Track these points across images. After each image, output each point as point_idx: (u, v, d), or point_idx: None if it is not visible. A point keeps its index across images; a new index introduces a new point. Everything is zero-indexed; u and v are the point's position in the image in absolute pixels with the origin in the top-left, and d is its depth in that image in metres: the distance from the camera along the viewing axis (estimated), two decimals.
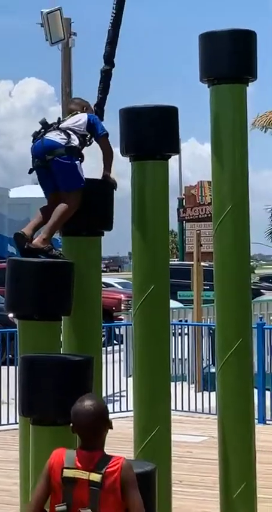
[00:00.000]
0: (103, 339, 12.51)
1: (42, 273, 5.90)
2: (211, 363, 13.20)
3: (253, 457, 6.61)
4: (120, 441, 9.46)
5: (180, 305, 17.01)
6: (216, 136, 6.56)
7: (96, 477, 4.09)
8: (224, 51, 6.43)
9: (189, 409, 12.04)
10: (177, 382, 12.15)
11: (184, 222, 36.11)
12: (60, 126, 6.14)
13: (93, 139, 6.26)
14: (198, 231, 15.89)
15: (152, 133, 6.43)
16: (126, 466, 4.19)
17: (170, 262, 6.95)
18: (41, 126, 6.19)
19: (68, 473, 4.13)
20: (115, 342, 14.16)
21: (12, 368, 11.28)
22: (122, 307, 22.17)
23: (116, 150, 6.59)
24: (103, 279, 25.91)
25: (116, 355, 13.18)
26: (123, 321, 17.40)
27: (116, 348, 13.75)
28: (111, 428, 4.31)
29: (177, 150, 6.70)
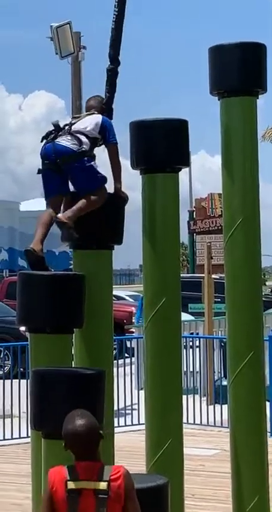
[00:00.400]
0: (114, 352, 12.51)
1: (54, 286, 5.90)
2: (222, 375, 13.16)
3: (265, 470, 6.58)
4: (132, 455, 9.44)
5: (191, 318, 16.97)
6: (227, 149, 6.56)
7: (102, 485, 4.15)
8: (234, 64, 6.44)
9: (201, 422, 12.00)
10: (189, 395, 12.11)
11: (194, 234, 36.10)
12: (72, 129, 6.13)
13: (101, 143, 6.24)
14: (209, 244, 15.87)
15: (162, 147, 6.44)
16: (127, 473, 4.27)
17: (181, 275, 6.94)
18: (53, 127, 6.19)
19: (72, 485, 4.16)
20: (126, 354, 14.14)
21: (23, 381, 11.28)
22: (133, 320, 22.14)
23: (126, 163, 6.61)
24: (114, 292, 25.92)
25: (127, 368, 13.16)
26: (134, 334, 17.37)
27: (127, 361, 13.73)
28: (102, 438, 4.33)
29: (187, 163, 6.71)
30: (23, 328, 13.00)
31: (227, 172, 6.55)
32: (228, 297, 6.60)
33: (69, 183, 6.19)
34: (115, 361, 11.34)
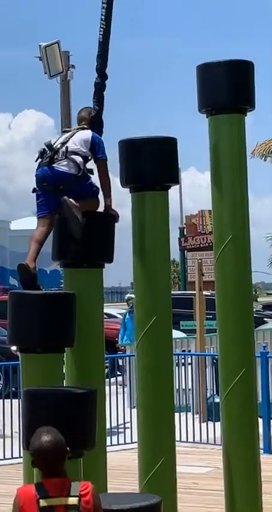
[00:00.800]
0: (106, 370, 12.48)
1: (44, 306, 5.89)
2: (215, 392, 13.13)
3: (259, 488, 6.56)
4: (125, 474, 9.40)
5: (183, 335, 16.94)
6: (215, 166, 6.58)
7: (73, 501, 4.20)
8: (222, 81, 6.47)
9: (194, 440, 11.96)
10: (181, 413, 12.07)
11: (185, 251, 36.14)
12: (68, 151, 6.17)
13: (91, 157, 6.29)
14: (200, 260, 15.87)
15: (151, 165, 6.46)
16: (94, 489, 4.32)
17: (172, 292, 6.95)
18: (45, 147, 6.21)
19: (44, 503, 4.18)
20: (118, 373, 14.10)
21: (15, 401, 11.22)
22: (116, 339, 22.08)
23: (116, 180, 6.62)
24: (106, 310, 25.87)
25: (119, 387, 13.11)
26: (126, 352, 17.34)
27: (119, 379, 13.68)
28: (69, 454, 4.37)
29: (176, 181, 6.72)
30: (14, 348, 12.97)
31: (217, 190, 6.56)
32: (219, 314, 6.60)
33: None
34: (107, 380, 11.33)
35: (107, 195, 6.32)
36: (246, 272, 6.59)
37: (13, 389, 12.04)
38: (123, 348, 18.52)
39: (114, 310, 30.84)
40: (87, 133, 6.31)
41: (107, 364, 13.19)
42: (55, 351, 5.91)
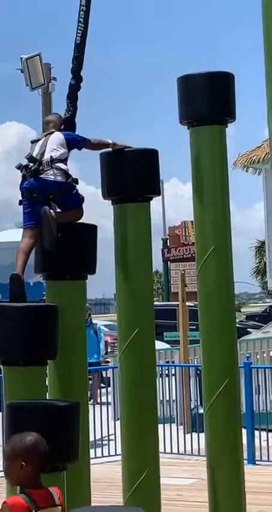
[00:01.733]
0: (90, 382, 12.43)
1: (26, 318, 5.87)
2: (199, 403, 13.12)
3: (243, 498, 6.56)
4: (109, 486, 9.36)
5: (167, 346, 16.94)
6: (197, 178, 6.60)
7: (58, 510, 4.27)
8: (203, 93, 6.49)
9: (178, 451, 11.93)
10: (165, 424, 12.05)
11: (168, 262, 36.14)
12: (52, 160, 6.21)
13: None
14: (183, 271, 15.88)
15: (133, 176, 6.47)
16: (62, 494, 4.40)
17: (155, 303, 6.94)
18: (28, 160, 6.25)
19: None
20: (102, 384, 14.06)
21: None
22: (109, 350, 22.05)
23: (98, 192, 6.64)
24: None
25: (103, 398, 13.08)
26: (109, 364, 17.31)
27: (103, 391, 13.65)
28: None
29: (158, 192, 6.74)
30: None
31: (198, 200, 6.57)
32: (202, 325, 6.60)
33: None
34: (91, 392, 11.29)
35: (106, 143, 6.43)
36: (228, 283, 6.60)
37: None
38: (107, 360, 18.49)
39: (98, 321, 30.77)
40: (58, 135, 6.36)
41: (91, 377, 13.18)
42: (37, 363, 5.88)
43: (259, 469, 10.94)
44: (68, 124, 6.49)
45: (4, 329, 5.87)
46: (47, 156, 6.23)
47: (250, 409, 11.50)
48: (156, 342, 6.80)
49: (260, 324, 28.40)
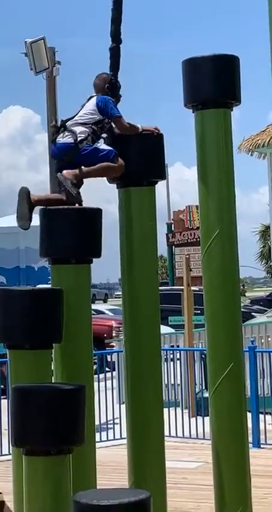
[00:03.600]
0: (95, 366, 12.45)
1: (31, 302, 5.88)
2: (204, 387, 13.15)
3: (248, 482, 6.57)
4: (115, 470, 9.41)
5: (171, 330, 16.96)
6: (202, 162, 6.57)
7: None
8: (208, 76, 6.46)
9: (183, 435, 11.98)
10: (170, 408, 12.10)
11: (173, 246, 36.12)
12: (68, 124, 6.38)
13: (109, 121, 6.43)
14: (187, 256, 15.87)
15: (138, 160, 6.46)
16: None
17: (160, 288, 6.95)
18: (54, 128, 6.46)
19: None
20: (107, 369, 14.10)
21: (4, 398, 11.21)
22: (113, 334, 22.11)
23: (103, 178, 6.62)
24: (94, 306, 25.84)
25: (108, 383, 13.12)
26: (114, 348, 17.34)
27: (108, 375, 13.69)
28: None
29: (163, 176, 6.72)
30: None
31: (203, 185, 6.56)
32: (207, 309, 6.59)
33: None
34: (96, 376, 11.31)
35: (136, 129, 6.42)
36: (233, 267, 6.59)
37: (1, 386, 12.02)
38: (112, 344, 18.52)
39: (103, 306, 30.85)
40: (92, 100, 6.46)
41: (96, 361, 13.20)
42: (43, 347, 5.90)
43: (264, 453, 10.99)
44: (110, 86, 6.51)
45: (9, 313, 5.89)
46: (66, 119, 6.42)
47: (255, 393, 11.53)
48: (161, 326, 6.81)
49: (265, 308, 28.43)
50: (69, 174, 6.25)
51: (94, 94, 6.54)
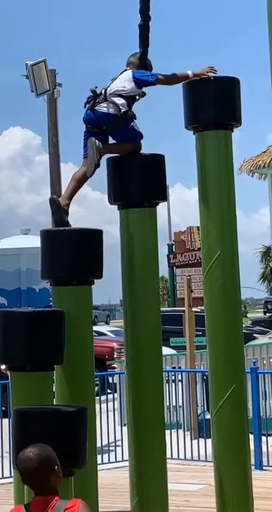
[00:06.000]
0: (96, 388, 12.41)
1: (33, 323, 5.88)
2: (205, 409, 13.11)
3: (250, 504, 6.54)
4: (116, 492, 9.36)
5: (173, 352, 16.92)
6: (203, 183, 6.59)
7: None
8: (208, 98, 6.50)
9: (185, 457, 11.92)
10: (172, 430, 12.04)
11: (174, 267, 36.12)
12: (108, 93, 6.45)
13: (144, 92, 6.54)
14: (188, 277, 15.86)
15: (139, 182, 6.48)
16: (82, 504, 4.28)
17: (162, 309, 6.94)
18: (91, 93, 6.50)
19: None
20: (109, 390, 14.06)
21: (5, 420, 11.17)
22: (115, 356, 22.05)
23: (104, 197, 6.64)
24: (95, 327, 25.80)
25: (110, 404, 13.08)
26: (116, 370, 17.30)
27: (110, 396, 13.65)
28: (59, 474, 4.33)
29: (164, 198, 6.74)
30: (3, 366, 12.91)
31: (204, 206, 6.57)
32: (208, 330, 6.59)
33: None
34: (97, 397, 11.27)
35: (184, 76, 6.50)
36: (235, 288, 6.59)
37: (3, 408, 11.98)
38: (113, 365, 18.48)
39: (104, 327, 30.81)
40: (127, 72, 6.56)
41: (97, 382, 13.16)
42: (44, 369, 5.88)
43: (267, 475, 10.92)
44: (141, 64, 6.59)
45: (11, 334, 5.88)
46: (104, 89, 6.49)
47: (257, 415, 11.48)
48: (163, 347, 6.80)
49: (267, 330, 28.36)
50: (100, 144, 6.32)
51: (123, 70, 6.61)
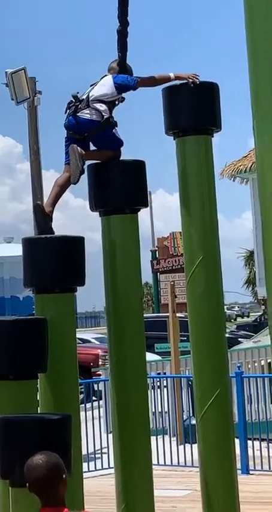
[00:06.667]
0: (81, 395, 12.38)
1: (16, 332, 5.85)
2: (191, 414, 13.10)
3: (237, 509, 6.53)
4: (103, 499, 9.33)
5: (158, 358, 16.92)
6: (184, 188, 6.59)
7: None
8: (188, 103, 6.50)
9: (172, 462, 11.90)
10: (158, 436, 12.03)
11: (158, 273, 36.12)
12: (90, 99, 6.44)
13: (123, 97, 6.55)
14: (172, 283, 15.87)
15: (120, 188, 6.47)
16: None
17: (146, 315, 6.94)
18: (72, 98, 6.50)
19: None
20: (94, 398, 14.03)
21: None
22: (100, 363, 22.02)
23: (86, 203, 6.63)
24: (80, 335, 25.74)
25: (96, 412, 13.05)
26: (101, 377, 17.27)
27: (95, 404, 13.61)
28: (64, 484, 4.20)
29: (145, 204, 6.73)
30: None
31: (186, 212, 6.57)
32: (192, 335, 6.59)
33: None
34: (83, 405, 11.24)
35: (165, 78, 6.51)
36: (218, 292, 6.59)
37: None
38: (98, 372, 18.44)
39: (89, 335, 30.75)
40: (108, 77, 6.55)
41: (82, 390, 13.13)
42: (28, 377, 5.86)
43: (253, 479, 10.93)
44: (120, 70, 6.59)
45: None
46: (87, 95, 6.47)
47: (243, 419, 11.48)
48: (147, 353, 6.80)
49: (251, 334, 28.40)
50: (81, 151, 6.33)
51: (104, 75, 6.61)
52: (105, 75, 6.60)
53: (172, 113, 6.58)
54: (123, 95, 6.58)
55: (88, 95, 6.49)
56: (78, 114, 6.45)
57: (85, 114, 6.44)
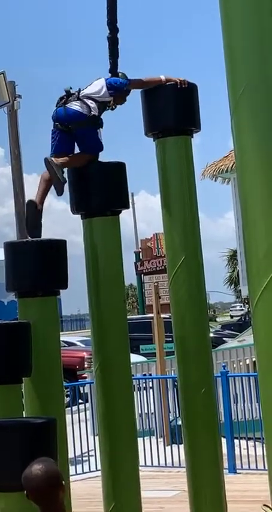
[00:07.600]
0: (67, 398, 12.36)
1: None
2: (178, 415, 13.10)
3: (224, 508, 6.54)
4: (91, 502, 9.31)
5: (143, 359, 16.91)
6: (165, 189, 6.60)
7: None
8: (167, 104, 6.51)
9: (159, 463, 11.90)
10: (145, 437, 12.03)
11: (142, 275, 36.13)
12: (81, 94, 6.44)
13: (115, 105, 6.57)
14: (156, 283, 15.87)
15: (101, 190, 6.47)
16: None
17: (130, 317, 6.94)
18: (64, 93, 6.48)
19: None
20: (80, 400, 14.01)
21: None
22: (85, 365, 22.00)
23: (68, 207, 6.61)
24: (65, 338, 25.68)
25: (82, 414, 13.03)
26: (87, 379, 17.25)
27: (81, 407, 13.60)
28: (63, 491, 4.18)
29: (126, 206, 6.74)
30: None
31: (167, 212, 6.58)
32: (175, 336, 6.60)
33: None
34: (69, 408, 11.21)
35: (156, 80, 6.53)
36: (201, 292, 6.60)
37: None
38: (84, 375, 18.42)
39: (74, 338, 30.71)
40: (101, 81, 6.55)
41: (68, 393, 13.11)
42: (12, 381, 5.85)
43: (240, 478, 10.94)
44: (112, 76, 6.62)
45: None
46: (79, 89, 6.48)
47: (229, 418, 11.50)
48: (133, 355, 6.80)
49: (236, 333, 28.45)
50: (57, 161, 6.32)
51: (98, 77, 6.61)
52: (99, 78, 6.62)
53: (152, 114, 6.59)
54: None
55: (79, 89, 6.52)
56: (67, 105, 6.46)
57: (74, 105, 6.45)
